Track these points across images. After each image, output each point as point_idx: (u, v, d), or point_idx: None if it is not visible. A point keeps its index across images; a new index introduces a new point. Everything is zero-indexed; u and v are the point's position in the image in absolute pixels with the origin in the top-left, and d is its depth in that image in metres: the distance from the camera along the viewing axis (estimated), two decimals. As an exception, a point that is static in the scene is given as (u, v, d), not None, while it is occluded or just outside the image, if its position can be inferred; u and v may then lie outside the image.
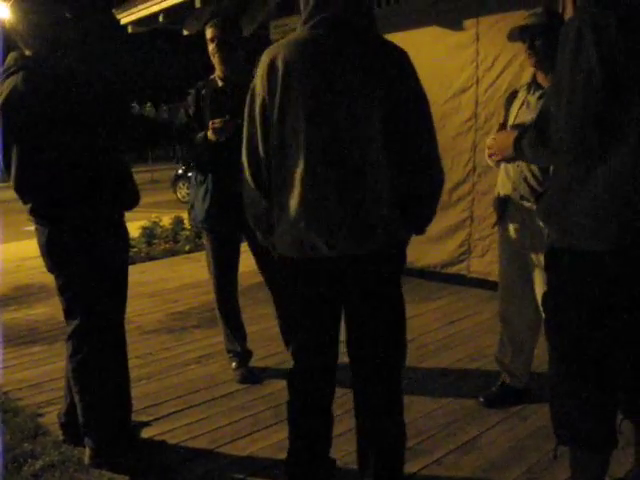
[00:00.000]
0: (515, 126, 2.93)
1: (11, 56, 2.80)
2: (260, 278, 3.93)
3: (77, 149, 2.71)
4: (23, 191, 2.79)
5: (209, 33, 3.61)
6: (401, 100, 2.15)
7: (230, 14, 3.89)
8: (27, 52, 2.80)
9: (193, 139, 3.60)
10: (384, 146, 2.15)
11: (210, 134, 3.51)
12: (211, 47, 3.61)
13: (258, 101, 2.23)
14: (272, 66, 2.18)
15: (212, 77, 3.75)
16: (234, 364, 3.99)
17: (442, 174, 2.31)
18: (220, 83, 3.68)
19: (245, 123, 2.31)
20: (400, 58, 2.20)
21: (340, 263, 2.23)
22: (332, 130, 2.13)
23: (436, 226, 5.69)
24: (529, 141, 2.07)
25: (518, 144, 2.15)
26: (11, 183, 2.79)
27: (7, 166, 2.76)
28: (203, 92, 3.69)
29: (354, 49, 2.14)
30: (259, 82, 2.23)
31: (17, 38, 2.79)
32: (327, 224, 2.16)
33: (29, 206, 2.81)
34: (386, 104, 2.13)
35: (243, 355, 3.99)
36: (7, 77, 2.73)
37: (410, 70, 2.20)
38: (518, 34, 3.07)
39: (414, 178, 2.23)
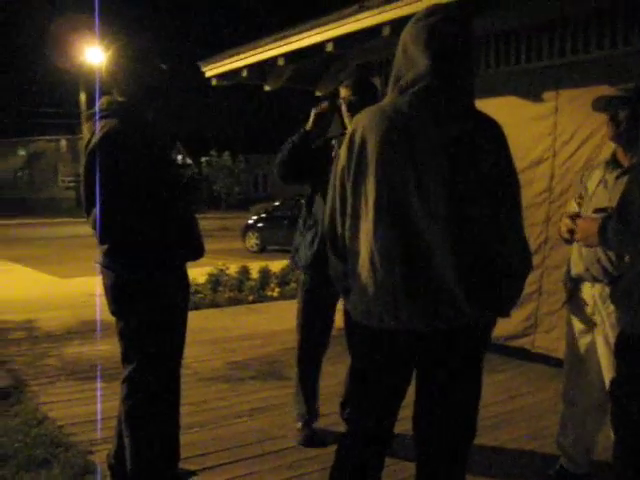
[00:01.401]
0: (598, 210, 2.82)
1: (106, 100, 2.92)
2: (337, 333, 3.89)
3: (154, 197, 2.79)
4: (103, 232, 2.81)
5: (342, 93, 3.70)
6: (489, 177, 2.07)
7: (364, 76, 3.96)
8: (120, 98, 2.92)
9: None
10: (460, 224, 2.05)
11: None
12: (343, 106, 3.70)
13: (339, 169, 2.27)
14: (353, 135, 2.21)
15: (344, 132, 3.79)
16: (299, 424, 3.89)
17: (529, 254, 2.20)
18: None
19: (329, 187, 2.35)
20: (491, 133, 2.14)
21: (409, 337, 2.18)
22: (400, 207, 2.10)
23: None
24: (613, 230, 2.00)
25: (603, 233, 2.08)
26: (90, 221, 2.83)
27: (88, 204, 2.82)
28: (333, 142, 3.76)
29: (439, 122, 2.08)
30: (342, 150, 2.27)
31: (113, 84, 2.93)
32: (393, 298, 2.12)
33: (105, 247, 2.86)
34: (469, 181, 2.06)
35: (310, 416, 3.88)
36: (101, 118, 2.83)
37: (501, 145, 2.13)
38: (602, 104, 3.01)
39: (498, 258, 2.11)
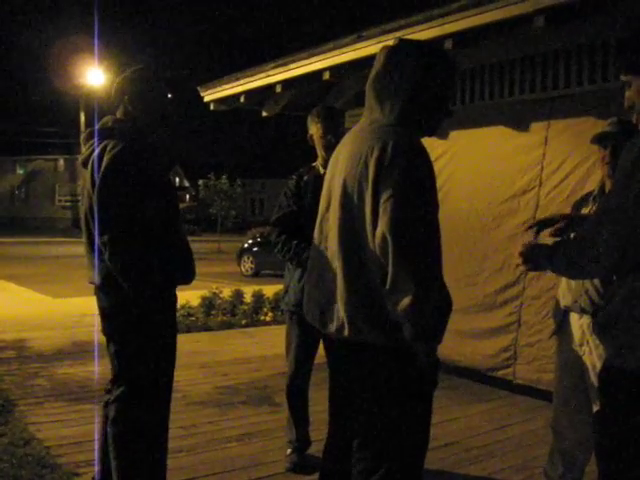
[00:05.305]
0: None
1: (109, 119, 2.96)
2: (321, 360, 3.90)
3: (154, 220, 2.83)
4: (107, 254, 2.79)
5: (314, 122, 3.72)
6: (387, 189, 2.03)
7: (333, 105, 3.98)
8: (125, 120, 2.96)
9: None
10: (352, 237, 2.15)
11: None
12: (315, 135, 3.73)
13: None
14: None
15: (314, 164, 3.84)
16: (288, 450, 3.86)
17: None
18: (322, 170, 3.72)
19: None
20: (390, 149, 2.05)
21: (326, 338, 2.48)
22: (319, 220, 2.38)
23: (477, 326, 5.57)
24: (565, 251, 2.00)
25: (554, 253, 2.05)
26: (98, 240, 2.82)
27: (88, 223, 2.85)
28: (305, 178, 3.77)
29: (354, 143, 2.24)
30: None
31: (119, 105, 2.98)
32: (307, 299, 2.42)
33: (102, 268, 2.83)
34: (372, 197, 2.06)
35: (300, 443, 3.84)
36: (105, 138, 2.86)
37: (397, 162, 2.03)
38: (602, 139, 3.04)
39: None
